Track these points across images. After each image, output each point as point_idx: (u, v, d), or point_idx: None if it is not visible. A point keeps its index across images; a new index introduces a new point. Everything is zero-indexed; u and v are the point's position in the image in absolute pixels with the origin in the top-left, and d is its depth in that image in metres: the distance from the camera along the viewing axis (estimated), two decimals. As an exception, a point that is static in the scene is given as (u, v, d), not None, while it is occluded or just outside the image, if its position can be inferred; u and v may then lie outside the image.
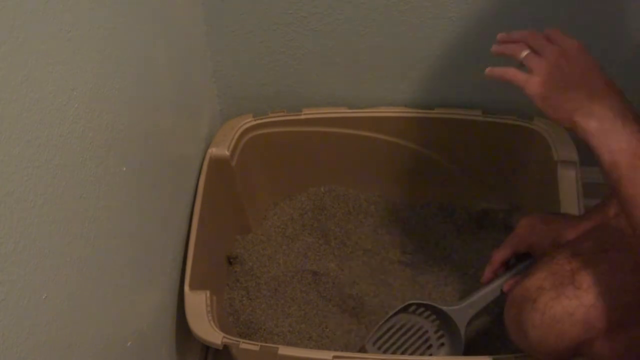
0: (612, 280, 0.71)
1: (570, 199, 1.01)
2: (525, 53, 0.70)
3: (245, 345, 0.88)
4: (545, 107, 0.69)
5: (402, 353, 0.98)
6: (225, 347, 0.89)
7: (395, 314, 0.99)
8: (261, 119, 1.15)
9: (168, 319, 0.96)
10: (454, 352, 0.97)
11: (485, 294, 0.95)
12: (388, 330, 0.99)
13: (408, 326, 0.99)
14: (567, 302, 0.72)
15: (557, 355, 0.76)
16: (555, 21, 1.01)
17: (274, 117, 1.15)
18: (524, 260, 0.93)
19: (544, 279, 0.76)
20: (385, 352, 0.98)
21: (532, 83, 0.69)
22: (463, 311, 0.96)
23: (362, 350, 1.00)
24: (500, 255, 0.93)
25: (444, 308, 0.97)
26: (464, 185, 1.22)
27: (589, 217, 0.89)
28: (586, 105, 0.66)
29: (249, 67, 1.11)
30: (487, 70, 0.73)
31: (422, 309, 0.99)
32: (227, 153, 1.10)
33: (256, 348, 0.88)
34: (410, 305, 0.99)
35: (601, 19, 1.00)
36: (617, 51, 1.05)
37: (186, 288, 0.95)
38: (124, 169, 0.76)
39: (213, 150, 1.10)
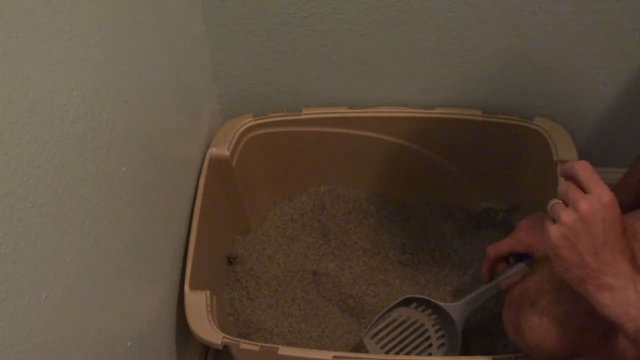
0: None
1: (570, 199, 1.01)
2: (553, 203, 0.68)
3: (245, 345, 0.88)
4: (556, 262, 0.67)
5: (402, 349, 0.98)
6: (225, 347, 0.89)
7: (393, 308, 0.99)
8: (261, 119, 1.15)
9: (168, 319, 0.96)
10: (452, 350, 0.97)
11: (482, 292, 0.95)
12: (387, 325, 0.99)
13: (408, 322, 0.99)
14: (566, 305, 0.72)
15: (555, 357, 0.76)
16: (556, 20, 1.01)
17: (274, 117, 1.15)
18: (522, 260, 0.93)
19: (543, 281, 0.76)
20: (383, 347, 0.98)
21: (553, 231, 0.66)
22: (461, 308, 0.96)
23: (360, 344, 1.00)
24: (495, 250, 0.93)
25: (442, 304, 0.97)
26: (464, 185, 1.22)
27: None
28: (599, 277, 0.65)
29: (249, 67, 1.11)
30: None
31: (420, 305, 1.00)
32: (227, 153, 1.10)
33: (256, 348, 0.88)
34: (408, 300, 0.99)
35: (604, 17, 1.00)
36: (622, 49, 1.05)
37: (186, 288, 0.95)
38: (124, 169, 0.76)
39: (213, 150, 1.10)
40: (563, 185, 0.68)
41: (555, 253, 0.66)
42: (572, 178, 0.67)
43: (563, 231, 0.65)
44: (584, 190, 0.66)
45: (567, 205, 0.66)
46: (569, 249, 0.65)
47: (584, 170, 0.67)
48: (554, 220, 0.67)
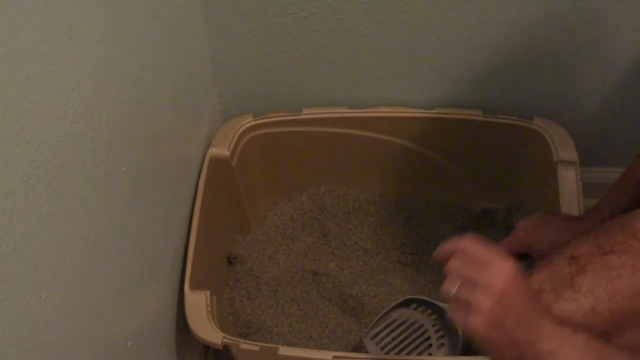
0: (610, 284, 0.71)
1: (570, 199, 1.01)
2: (454, 287, 0.64)
3: (245, 345, 0.88)
4: (490, 348, 0.64)
5: (402, 350, 0.98)
6: (225, 347, 0.89)
7: (393, 308, 0.99)
8: (261, 119, 1.15)
9: (168, 319, 0.96)
10: (452, 350, 0.97)
11: None
12: (387, 326, 0.99)
13: (408, 323, 0.99)
14: (565, 305, 0.72)
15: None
16: (556, 21, 1.01)
17: (274, 117, 1.15)
18: (522, 260, 0.93)
19: (543, 280, 0.76)
20: (384, 347, 0.97)
21: (477, 322, 0.62)
22: None
23: (360, 344, 1.00)
24: None
25: (442, 305, 0.97)
26: (464, 185, 1.22)
27: (587, 219, 0.89)
28: (534, 347, 0.63)
29: (249, 67, 1.11)
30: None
31: (420, 306, 0.99)
32: (227, 153, 1.10)
33: (256, 348, 0.88)
34: (408, 301, 0.99)
35: (604, 17, 1.00)
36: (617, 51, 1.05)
37: (186, 288, 0.95)
38: (124, 169, 0.76)
39: (213, 150, 1.10)
40: (455, 263, 0.64)
41: (486, 341, 0.63)
42: (461, 255, 0.64)
43: (487, 318, 0.62)
44: (480, 265, 0.63)
45: (471, 284, 0.63)
46: (498, 332, 0.63)
47: (473, 245, 0.64)
48: (468, 308, 0.63)
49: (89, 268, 0.68)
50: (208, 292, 0.94)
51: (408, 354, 0.97)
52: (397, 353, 0.97)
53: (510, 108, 1.13)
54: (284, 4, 1.02)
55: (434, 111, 1.14)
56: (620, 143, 1.18)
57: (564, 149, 1.06)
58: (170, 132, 0.95)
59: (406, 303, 1.00)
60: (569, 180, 1.03)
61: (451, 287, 0.64)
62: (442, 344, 0.99)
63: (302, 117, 1.15)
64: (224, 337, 0.89)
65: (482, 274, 0.62)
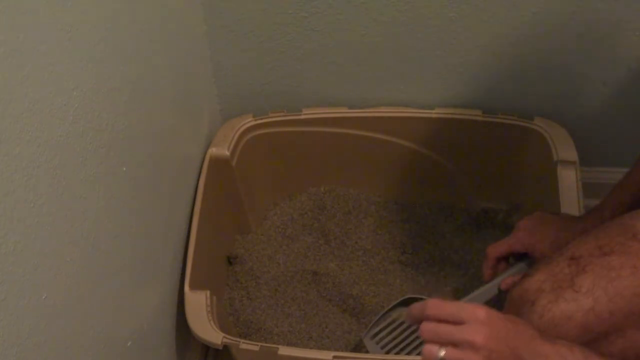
0: (610, 285, 0.71)
1: (570, 199, 1.01)
2: (442, 353, 0.62)
3: (245, 345, 0.88)
4: None
5: (402, 349, 0.98)
6: (225, 347, 0.89)
7: (393, 308, 0.99)
8: (261, 119, 1.15)
9: (168, 319, 0.96)
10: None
11: (482, 292, 0.95)
12: (387, 325, 0.99)
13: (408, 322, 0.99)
14: (565, 305, 0.72)
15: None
16: (556, 20, 1.01)
17: (274, 117, 1.15)
18: (522, 260, 0.93)
19: (543, 281, 0.76)
20: (384, 347, 0.97)
21: None
22: None
23: (360, 344, 1.00)
24: (495, 250, 0.93)
25: None
26: (464, 185, 1.22)
27: (587, 219, 0.89)
28: None
29: (249, 67, 1.11)
30: None
31: None
32: (227, 153, 1.10)
33: (256, 348, 0.88)
34: (408, 300, 0.99)
35: (604, 17, 1.00)
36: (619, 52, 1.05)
37: (186, 288, 0.95)
38: (124, 169, 0.76)
39: (213, 150, 1.10)
40: (430, 327, 0.63)
41: None
42: (431, 317, 0.63)
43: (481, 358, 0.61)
44: (454, 323, 0.62)
45: (454, 345, 0.62)
46: None
47: (441, 306, 0.63)
48: None
49: (89, 268, 0.68)
50: (208, 292, 0.94)
51: (408, 353, 0.97)
52: (397, 353, 0.97)
53: (510, 108, 1.13)
54: (284, 4, 1.02)
55: (434, 111, 1.14)
56: (620, 143, 1.18)
57: (564, 149, 1.06)
58: (170, 132, 0.95)
59: (406, 302, 1.00)
60: (569, 180, 1.03)
61: (435, 352, 0.63)
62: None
63: (302, 117, 1.15)
64: (224, 337, 0.89)
65: (461, 333, 0.62)
